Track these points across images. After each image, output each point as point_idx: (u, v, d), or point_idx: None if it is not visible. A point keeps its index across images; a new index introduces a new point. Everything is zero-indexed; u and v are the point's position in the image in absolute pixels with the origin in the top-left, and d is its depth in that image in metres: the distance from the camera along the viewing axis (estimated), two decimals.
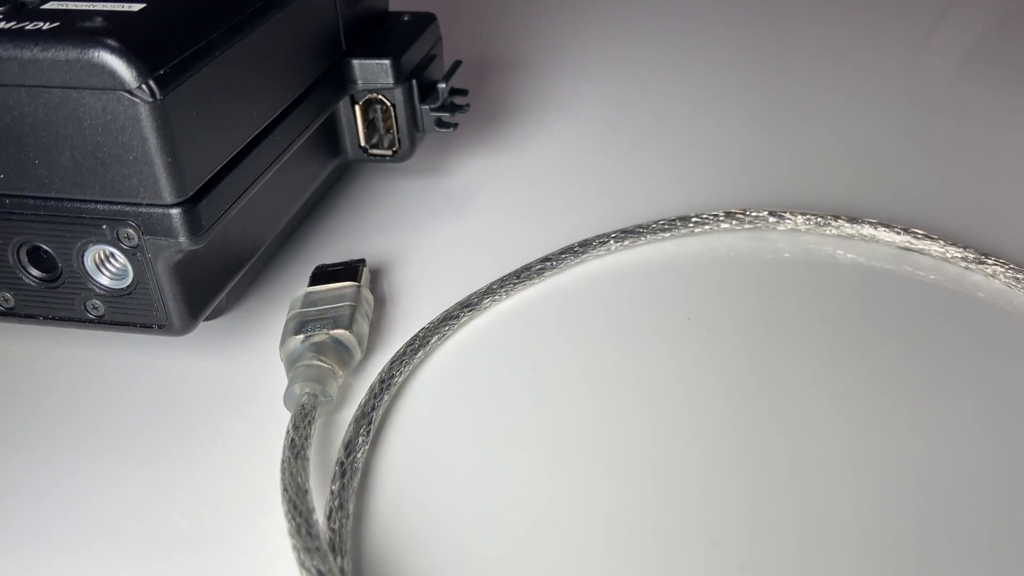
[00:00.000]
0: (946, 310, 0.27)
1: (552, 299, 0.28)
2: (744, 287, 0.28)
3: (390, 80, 0.30)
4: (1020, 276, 0.27)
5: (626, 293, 0.28)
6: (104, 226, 0.22)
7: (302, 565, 0.19)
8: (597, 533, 0.21)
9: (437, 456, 0.23)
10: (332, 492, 0.21)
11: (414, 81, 0.31)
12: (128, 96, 0.20)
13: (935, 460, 0.22)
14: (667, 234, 0.31)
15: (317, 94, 0.28)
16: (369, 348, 0.27)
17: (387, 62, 0.30)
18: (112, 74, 0.20)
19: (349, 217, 0.33)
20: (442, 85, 0.32)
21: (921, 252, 0.29)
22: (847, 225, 0.30)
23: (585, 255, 0.30)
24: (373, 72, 0.30)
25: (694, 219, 0.31)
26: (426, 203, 0.34)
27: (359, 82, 0.30)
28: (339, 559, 0.20)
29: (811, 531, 0.20)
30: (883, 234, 0.30)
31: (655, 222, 0.31)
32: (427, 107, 0.32)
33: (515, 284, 0.29)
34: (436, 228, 0.32)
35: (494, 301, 0.28)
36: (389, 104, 0.31)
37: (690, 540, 0.20)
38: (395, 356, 0.26)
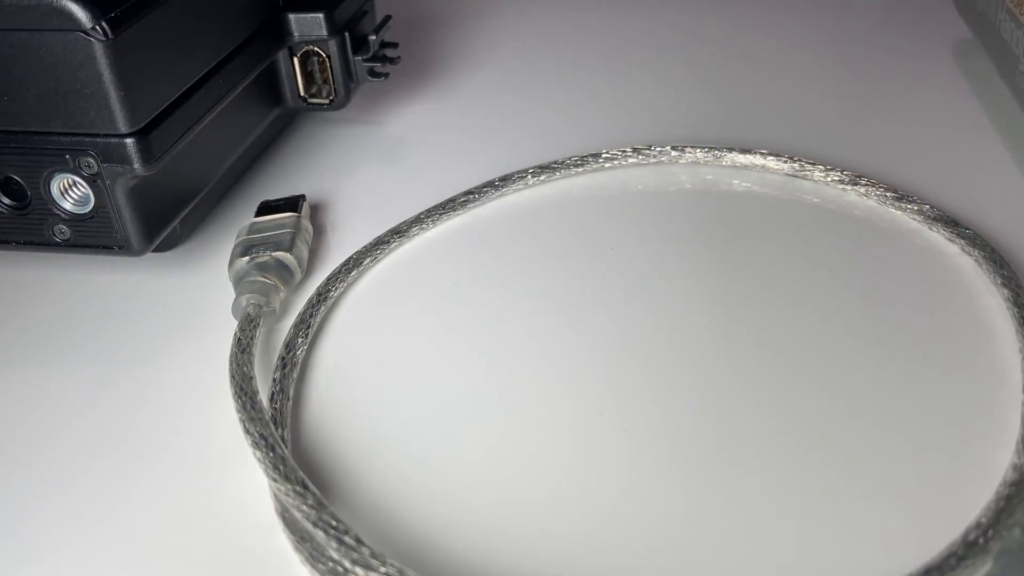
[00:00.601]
0: (827, 226, 0.30)
1: (475, 227, 0.32)
2: (650, 214, 0.31)
3: (324, 32, 0.33)
4: (888, 194, 0.31)
5: (541, 222, 0.31)
6: (67, 156, 0.25)
7: (247, 432, 0.22)
8: (503, 413, 0.24)
9: (366, 355, 0.26)
10: (274, 380, 0.24)
11: (347, 33, 0.34)
12: (84, 36, 0.23)
13: (806, 347, 0.25)
14: (580, 169, 0.34)
15: (257, 44, 0.31)
16: (308, 271, 0.30)
17: (321, 15, 0.33)
18: (70, 16, 0.23)
19: (293, 161, 0.36)
20: (372, 37, 0.35)
21: (805, 177, 0.33)
22: (740, 156, 0.33)
23: (505, 188, 0.33)
24: (308, 25, 0.33)
25: (604, 155, 0.34)
26: (363, 147, 0.37)
27: (295, 34, 0.33)
28: (280, 430, 0.23)
29: (683, 404, 0.24)
30: (772, 163, 0.33)
31: (569, 158, 0.34)
32: (360, 58, 0.35)
33: (441, 214, 0.32)
34: (372, 169, 0.35)
35: (422, 229, 0.31)
36: (324, 55, 0.34)
37: (582, 410, 0.24)
38: (332, 273, 0.29)
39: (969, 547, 0.18)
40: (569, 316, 0.27)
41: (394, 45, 0.37)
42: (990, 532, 0.19)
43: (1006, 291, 0.25)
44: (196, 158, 0.29)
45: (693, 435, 0.23)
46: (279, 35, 0.33)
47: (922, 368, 0.24)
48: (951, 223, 0.28)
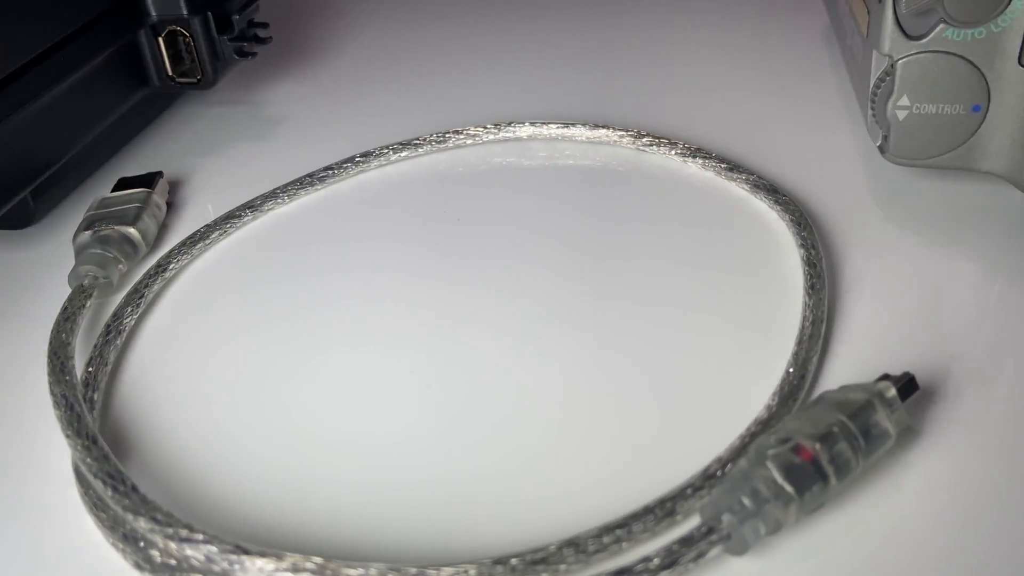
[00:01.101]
0: (669, 195, 0.31)
1: (332, 203, 0.32)
2: (509, 189, 0.32)
3: (184, 11, 0.34)
4: (722, 165, 0.32)
5: (400, 197, 0.32)
6: None
7: (52, 393, 0.22)
8: (330, 383, 0.25)
9: (196, 327, 0.27)
10: (95, 346, 0.25)
11: (209, 13, 0.35)
12: None
13: (624, 300, 0.26)
14: (441, 145, 0.35)
15: (108, 23, 0.32)
16: (158, 246, 0.30)
17: None
18: None
19: (166, 140, 0.37)
20: (236, 17, 0.35)
21: (652, 151, 0.34)
22: (592, 132, 0.34)
23: (366, 164, 0.34)
24: (167, 4, 0.34)
25: (467, 131, 0.35)
26: (236, 126, 0.37)
27: (154, 13, 0.34)
28: (90, 392, 0.24)
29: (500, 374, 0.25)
30: (622, 138, 0.34)
31: (431, 135, 0.35)
32: (225, 37, 0.35)
33: (297, 190, 0.33)
34: (242, 147, 0.36)
35: (277, 204, 0.32)
36: (188, 35, 0.35)
37: (396, 370, 0.25)
38: (174, 247, 0.30)
39: (707, 479, 0.20)
40: (402, 285, 0.28)
41: (264, 25, 0.38)
42: (728, 466, 0.20)
43: (802, 252, 0.26)
44: (41, 135, 0.29)
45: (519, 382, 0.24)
46: (136, 14, 0.33)
47: (717, 320, 0.25)
48: (772, 191, 0.29)
